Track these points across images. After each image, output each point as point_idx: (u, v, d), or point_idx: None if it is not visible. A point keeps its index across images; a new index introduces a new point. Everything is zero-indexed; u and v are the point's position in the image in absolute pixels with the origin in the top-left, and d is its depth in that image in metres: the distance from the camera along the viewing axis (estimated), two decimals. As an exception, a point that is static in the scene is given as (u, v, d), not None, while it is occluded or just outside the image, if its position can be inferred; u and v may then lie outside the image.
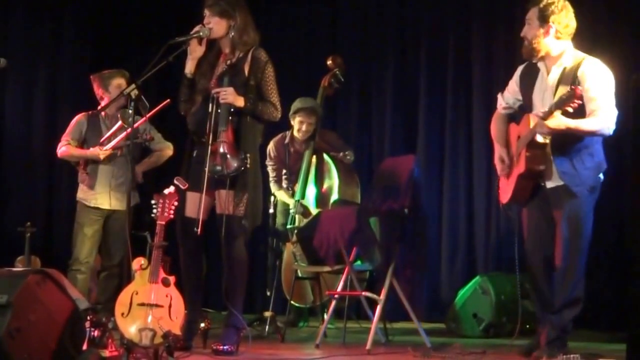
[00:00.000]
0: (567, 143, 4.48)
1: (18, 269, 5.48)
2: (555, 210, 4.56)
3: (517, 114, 4.88)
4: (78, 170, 6.15)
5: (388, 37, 7.73)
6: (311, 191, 6.34)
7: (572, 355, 3.98)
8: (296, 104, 6.38)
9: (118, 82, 6.04)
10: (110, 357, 4.16)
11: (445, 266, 7.19)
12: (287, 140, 6.54)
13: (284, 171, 6.47)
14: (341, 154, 6.42)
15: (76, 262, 5.99)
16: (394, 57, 7.68)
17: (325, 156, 6.40)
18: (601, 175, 4.59)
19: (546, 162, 4.53)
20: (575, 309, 4.52)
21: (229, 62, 4.85)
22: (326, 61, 6.64)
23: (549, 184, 4.56)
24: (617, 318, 5.84)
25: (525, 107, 4.77)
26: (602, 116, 4.42)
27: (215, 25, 4.83)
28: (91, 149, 6.03)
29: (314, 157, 6.37)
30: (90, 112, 6.15)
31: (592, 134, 4.47)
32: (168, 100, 5.79)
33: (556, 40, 4.54)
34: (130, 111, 4.84)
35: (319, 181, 6.35)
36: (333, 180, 6.31)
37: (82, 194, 6.11)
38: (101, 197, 6.06)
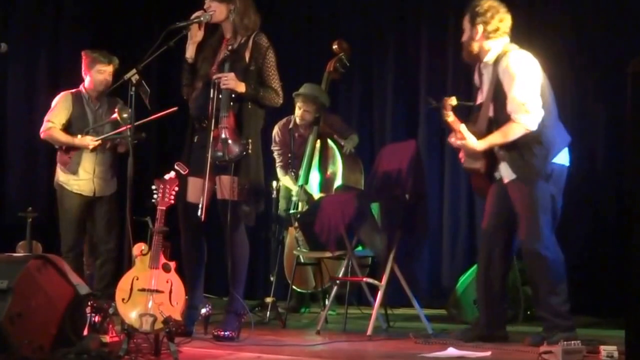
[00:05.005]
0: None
1: (19, 254, 5.48)
2: (513, 200, 4.61)
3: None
4: (58, 151, 6.12)
5: (389, 21, 7.69)
6: (315, 177, 6.33)
7: (572, 342, 3.99)
8: (300, 89, 6.37)
9: (99, 68, 6.08)
10: (111, 342, 4.17)
11: (447, 252, 7.18)
12: (291, 125, 6.53)
13: (289, 155, 6.47)
14: (342, 142, 6.41)
15: (65, 251, 6.00)
16: (395, 42, 7.64)
17: (330, 141, 6.39)
18: (560, 159, 4.58)
19: (482, 160, 4.64)
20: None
21: (230, 47, 4.83)
22: (332, 46, 6.62)
23: (506, 179, 4.65)
24: (617, 304, 5.85)
25: None
26: (520, 119, 4.45)
27: (215, 9, 4.82)
28: (79, 136, 6.01)
29: (318, 142, 6.36)
30: (74, 91, 6.16)
31: (512, 139, 4.50)
32: (176, 108, 5.80)
33: (487, 41, 4.61)
34: (129, 110, 4.84)
35: (323, 167, 6.35)
36: (337, 166, 6.30)
37: (64, 178, 6.10)
38: (84, 183, 6.07)
